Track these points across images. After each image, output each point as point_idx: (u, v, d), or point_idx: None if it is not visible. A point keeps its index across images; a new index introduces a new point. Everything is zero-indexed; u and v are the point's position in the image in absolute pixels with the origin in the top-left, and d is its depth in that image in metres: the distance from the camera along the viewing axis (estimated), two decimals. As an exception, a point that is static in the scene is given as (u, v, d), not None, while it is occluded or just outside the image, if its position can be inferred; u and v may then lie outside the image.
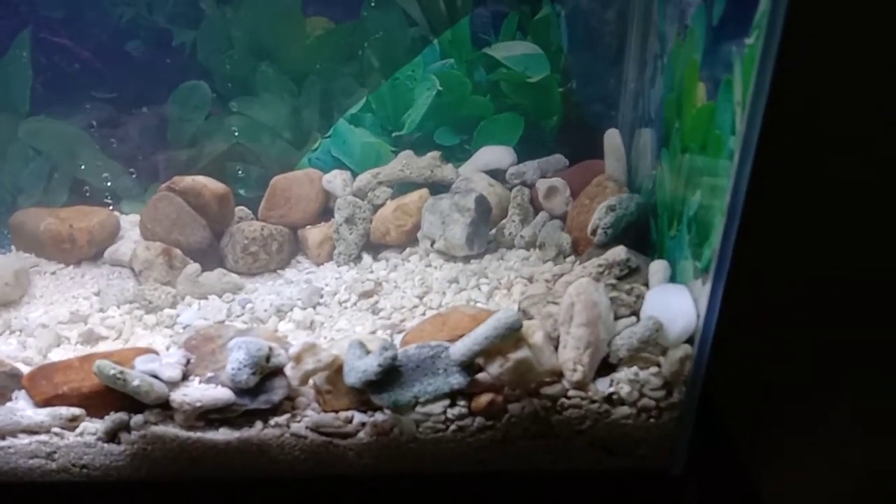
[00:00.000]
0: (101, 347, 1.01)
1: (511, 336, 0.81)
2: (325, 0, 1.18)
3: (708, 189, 0.81)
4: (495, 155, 1.23)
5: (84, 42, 1.19)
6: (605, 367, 0.86)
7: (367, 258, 1.19)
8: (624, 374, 0.85)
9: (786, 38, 0.63)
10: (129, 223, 1.24)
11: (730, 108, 0.73)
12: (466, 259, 1.15)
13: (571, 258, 1.11)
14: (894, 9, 0.68)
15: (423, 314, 1.05)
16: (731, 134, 0.73)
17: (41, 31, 1.18)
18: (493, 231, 1.19)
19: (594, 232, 1.02)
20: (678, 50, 0.92)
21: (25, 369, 0.89)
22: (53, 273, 1.17)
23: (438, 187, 1.22)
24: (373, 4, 1.17)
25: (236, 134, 1.24)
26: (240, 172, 1.26)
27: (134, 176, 1.25)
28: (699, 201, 0.84)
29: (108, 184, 1.24)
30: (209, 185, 1.17)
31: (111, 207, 1.25)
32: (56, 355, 0.98)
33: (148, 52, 1.20)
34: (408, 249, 1.19)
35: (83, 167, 1.23)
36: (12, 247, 1.22)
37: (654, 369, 0.85)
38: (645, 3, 1.09)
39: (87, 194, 1.24)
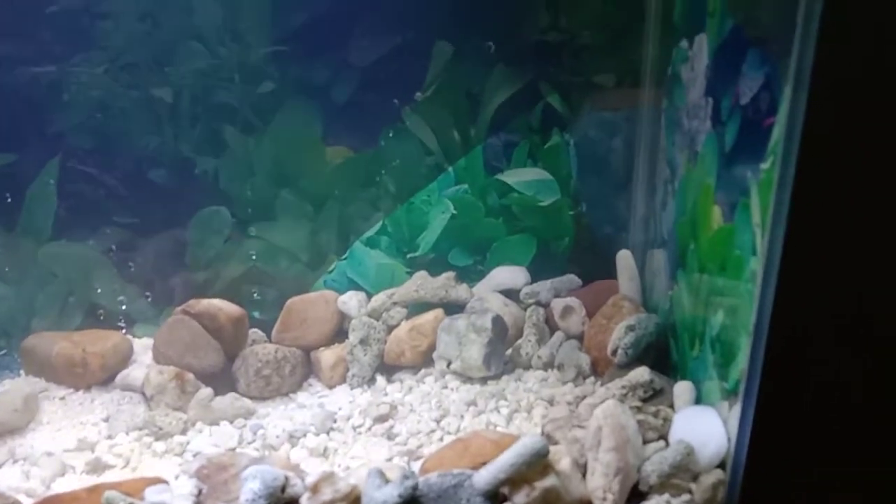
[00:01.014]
0: (108, 476, 0.97)
1: (538, 462, 0.78)
2: (345, 130, 1.24)
3: (730, 309, 0.81)
4: (509, 275, 1.24)
5: (110, 169, 1.24)
6: (635, 494, 0.82)
7: (380, 380, 1.17)
8: (655, 501, 0.81)
9: (802, 162, 0.65)
10: (142, 347, 1.23)
11: (749, 229, 0.75)
12: (483, 380, 1.13)
13: (591, 379, 1.09)
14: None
15: (441, 439, 1.02)
16: (752, 254, 0.74)
17: (69, 160, 1.23)
18: (510, 351, 1.18)
19: (615, 352, 1.01)
20: (689, 175, 0.96)
21: (28, 501, 0.85)
22: (62, 398, 1.14)
23: (453, 307, 1.22)
24: (391, 135, 1.23)
25: (254, 257, 1.26)
26: (255, 295, 1.27)
27: (149, 299, 1.26)
28: (722, 321, 0.84)
29: (123, 307, 1.25)
30: (225, 308, 1.17)
31: (124, 331, 1.24)
32: (60, 486, 0.94)
33: (171, 179, 1.24)
34: (423, 370, 1.17)
35: (99, 290, 1.24)
36: (21, 371, 1.20)
37: (685, 496, 0.81)
38: (651, 132, 1.15)
39: (102, 318, 1.24)
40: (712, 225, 0.86)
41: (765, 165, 0.70)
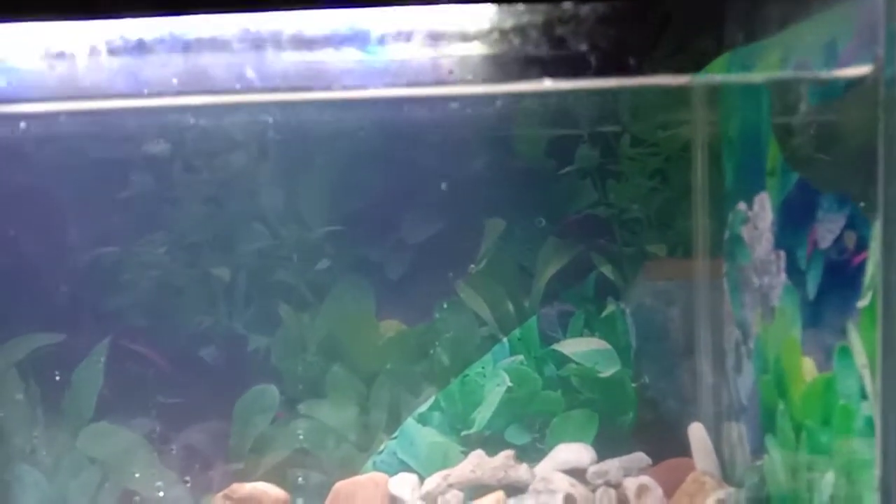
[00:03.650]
0: None
1: None
2: (398, 304, 1.23)
3: (844, 466, 0.74)
4: (573, 453, 1.17)
5: (160, 348, 1.22)
6: None
7: (439, 576, 1.05)
8: None
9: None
10: (176, 539, 1.13)
11: (853, 373, 0.71)
12: (556, 572, 1.01)
13: (681, 566, 0.98)
14: None
15: None
16: (861, 399, 0.70)
17: (120, 339, 1.22)
18: (582, 539, 1.07)
19: (708, 530, 0.91)
20: (766, 332, 0.93)
21: None
22: None
23: (513, 489, 1.13)
24: (445, 307, 1.22)
25: (301, 437, 1.20)
26: (300, 479, 1.19)
27: (188, 485, 1.18)
28: (834, 482, 0.76)
29: (161, 493, 1.16)
30: (270, 491, 1.10)
31: (159, 521, 1.15)
32: None
33: (222, 357, 1.22)
34: (486, 564, 1.06)
35: (137, 475, 1.16)
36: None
37: None
38: (711, 297, 1.14)
39: (137, 506, 1.15)
40: (804, 378, 0.82)
41: (863, 302, 0.68)
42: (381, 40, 0.75)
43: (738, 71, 0.99)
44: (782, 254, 0.88)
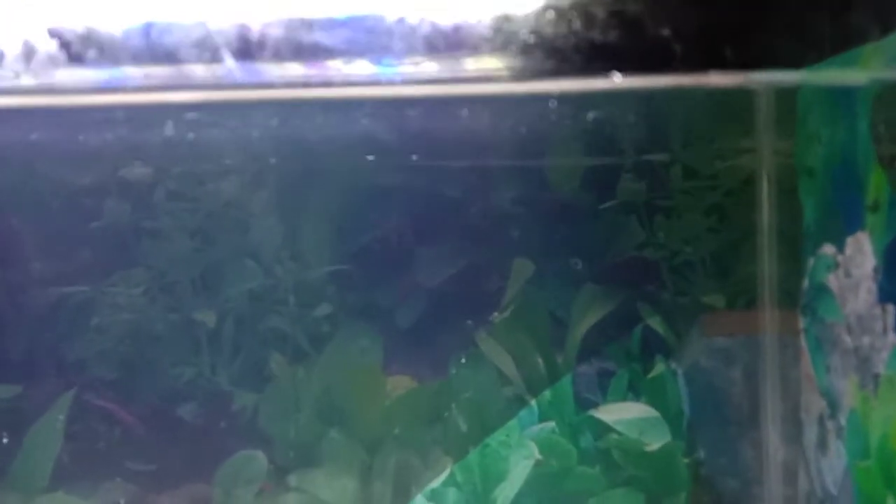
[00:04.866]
0: None
1: None
2: (409, 358, 1.08)
3: None
4: (616, 543, 0.99)
5: (130, 404, 1.07)
6: None
7: None
8: None
9: None
10: None
11: None
12: None
13: None
14: None
15: None
16: None
17: (86, 393, 1.06)
18: None
19: None
20: (867, 405, 0.75)
21: None
22: None
23: (544, 588, 0.95)
24: (463, 361, 1.06)
25: (290, 515, 1.03)
26: (286, 568, 1.01)
27: (155, 571, 1.00)
28: None
29: (120, 582, 0.99)
30: (250, 584, 0.92)
31: None
32: None
33: (202, 416, 1.06)
34: None
35: (93, 559, 0.99)
36: None
37: None
38: (781, 357, 0.97)
39: None
40: (932, 470, 0.64)
41: None
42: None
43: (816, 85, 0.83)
44: (891, 308, 0.71)
